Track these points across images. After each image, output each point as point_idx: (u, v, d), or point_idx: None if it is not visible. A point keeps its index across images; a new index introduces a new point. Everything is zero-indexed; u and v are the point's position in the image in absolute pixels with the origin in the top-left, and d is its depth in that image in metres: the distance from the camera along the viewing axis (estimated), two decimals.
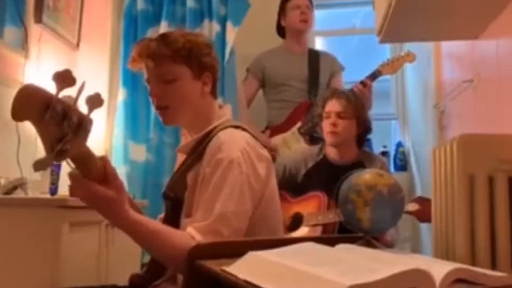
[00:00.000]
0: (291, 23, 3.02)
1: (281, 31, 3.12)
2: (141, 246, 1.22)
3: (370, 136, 3.31)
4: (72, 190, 1.05)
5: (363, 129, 2.29)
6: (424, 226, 2.74)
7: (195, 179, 1.29)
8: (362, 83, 2.70)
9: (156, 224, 1.18)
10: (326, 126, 2.26)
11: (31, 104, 0.78)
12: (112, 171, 1.07)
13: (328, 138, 2.27)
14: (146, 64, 1.36)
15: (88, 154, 0.98)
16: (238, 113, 2.83)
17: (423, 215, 2.00)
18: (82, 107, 0.90)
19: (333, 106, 2.25)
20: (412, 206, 2.03)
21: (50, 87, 0.82)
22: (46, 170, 2.01)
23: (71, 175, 1.02)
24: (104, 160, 1.06)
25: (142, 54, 1.35)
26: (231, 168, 1.22)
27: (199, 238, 1.15)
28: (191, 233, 1.16)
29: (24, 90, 0.79)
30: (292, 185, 2.31)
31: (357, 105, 2.24)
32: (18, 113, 0.78)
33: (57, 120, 0.81)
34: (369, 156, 2.33)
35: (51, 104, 0.79)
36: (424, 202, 2.00)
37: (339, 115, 2.23)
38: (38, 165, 0.83)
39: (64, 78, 0.82)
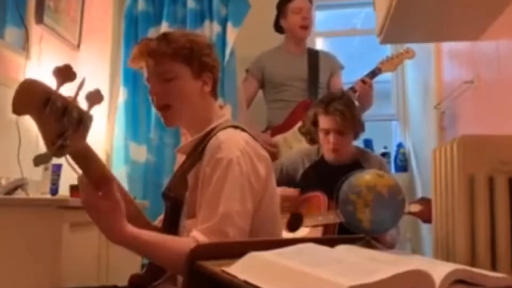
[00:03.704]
0: (291, 28, 3.00)
1: (279, 28, 3.10)
2: (146, 258, 1.20)
3: (371, 137, 3.37)
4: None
5: (358, 130, 2.27)
6: (424, 226, 2.74)
7: (195, 179, 1.29)
8: (363, 80, 2.70)
9: (156, 236, 1.17)
10: (325, 143, 2.22)
11: (31, 98, 0.79)
12: (111, 188, 1.04)
13: (329, 154, 2.23)
14: (147, 63, 1.36)
15: (88, 150, 0.98)
16: (238, 114, 2.83)
17: (426, 216, 2.00)
18: (82, 104, 0.90)
19: (330, 123, 2.16)
20: (414, 207, 2.03)
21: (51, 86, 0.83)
22: (46, 171, 2.01)
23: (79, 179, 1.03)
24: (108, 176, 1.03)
25: (142, 52, 1.36)
26: (231, 168, 1.21)
27: (205, 240, 1.15)
28: (196, 237, 1.15)
29: (24, 84, 0.79)
30: (291, 185, 2.31)
31: (353, 117, 2.17)
32: (19, 107, 0.79)
33: (57, 115, 0.82)
34: (367, 156, 2.30)
35: (51, 99, 0.80)
36: (426, 203, 2.00)
37: (339, 132, 2.17)
38: (38, 160, 0.83)
39: (65, 73, 0.82)
